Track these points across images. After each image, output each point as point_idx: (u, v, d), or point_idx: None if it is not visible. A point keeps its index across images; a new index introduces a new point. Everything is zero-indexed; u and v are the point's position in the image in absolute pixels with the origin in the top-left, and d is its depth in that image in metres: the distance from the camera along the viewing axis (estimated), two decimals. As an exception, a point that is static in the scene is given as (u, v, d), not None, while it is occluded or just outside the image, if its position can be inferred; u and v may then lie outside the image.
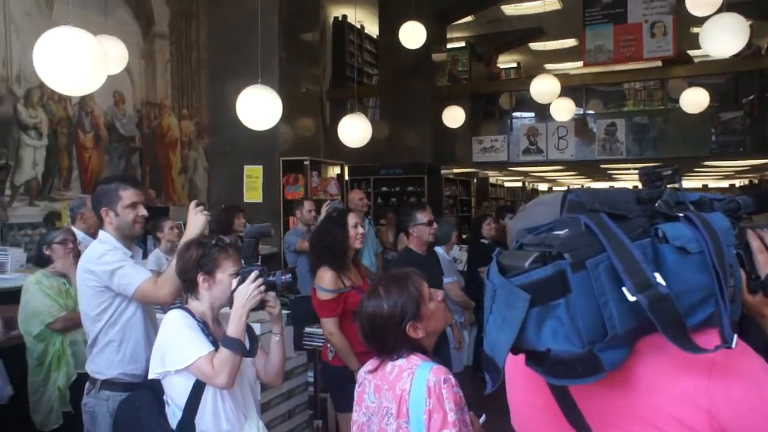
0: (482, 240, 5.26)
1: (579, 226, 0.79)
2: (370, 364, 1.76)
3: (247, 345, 1.92)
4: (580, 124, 9.10)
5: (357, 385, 1.79)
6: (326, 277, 2.82)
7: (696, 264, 0.76)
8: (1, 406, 3.01)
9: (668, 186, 0.85)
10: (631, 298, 0.72)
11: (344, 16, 10.94)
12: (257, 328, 2.42)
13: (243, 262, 2.07)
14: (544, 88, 7.15)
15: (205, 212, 2.29)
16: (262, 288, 1.91)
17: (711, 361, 0.77)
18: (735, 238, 0.82)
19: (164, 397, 1.94)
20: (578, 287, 0.74)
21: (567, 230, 0.79)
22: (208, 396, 1.89)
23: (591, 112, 9.52)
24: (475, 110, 10.10)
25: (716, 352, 0.72)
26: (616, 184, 17.12)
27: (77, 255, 2.89)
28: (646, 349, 0.79)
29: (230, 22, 6.51)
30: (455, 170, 10.90)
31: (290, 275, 2.00)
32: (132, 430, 1.97)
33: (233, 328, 1.86)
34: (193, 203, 2.32)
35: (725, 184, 15.93)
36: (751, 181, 13.59)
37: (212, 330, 1.96)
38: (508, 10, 11.31)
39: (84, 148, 5.75)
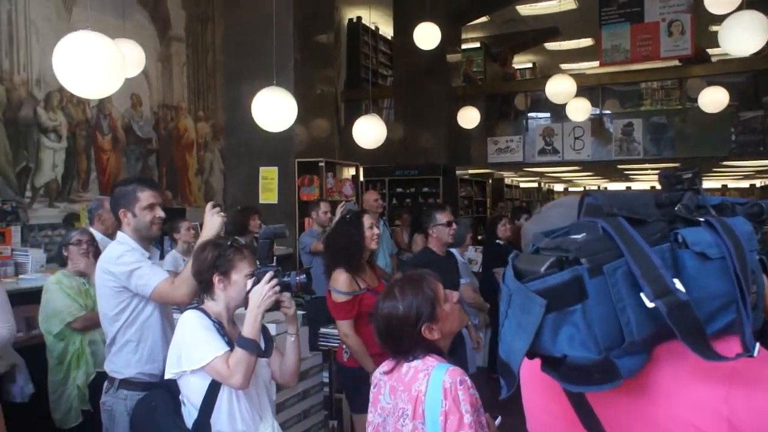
0: (497, 241, 5.24)
1: (596, 231, 0.77)
2: (386, 365, 1.76)
3: (262, 345, 1.93)
4: (596, 124, 9.02)
5: (372, 386, 1.80)
6: (341, 279, 2.82)
7: (717, 270, 0.74)
8: (23, 404, 3.06)
9: (689, 189, 0.83)
10: (650, 305, 0.70)
11: (359, 18, 10.96)
12: (272, 329, 2.43)
13: (258, 263, 2.08)
14: (559, 88, 7.11)
15: (222, 213, 2.31)
16: (277, 288, 1.92)
17: (732, 370, 0.75)
18: (758, 243, 0.80)
19: (180, 397, 1.96)
20: (595, 293, 0.72)
21: (584, 234, 0.77)
22: (223, 396, 1.90)
23: (607, 112, 9.44)
24: (490, 111, 10.05)
25: (737, 360, 0.71)
26: (633, 185, 16.96)
27: (97, 255, 2.93)
28: (665, 355, 0.78)
29: (245, 24, 6.55)
30: (470, 171, 10.87)
31: (305, 276, 2.01)
32: (148, 430, 1.99)
33: (248, 328, 1.88)
34: (209, 205, 2.34)
35: (745, 184, 15.70)
36: (771, 181, 13.39)
37: (228, 330, 1.97)
38: (523, 10, 11.25)
39: (102, 150, 5.82)
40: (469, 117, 8.37)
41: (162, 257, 4.22)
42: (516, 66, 12.67)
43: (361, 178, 7.99)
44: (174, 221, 4.46)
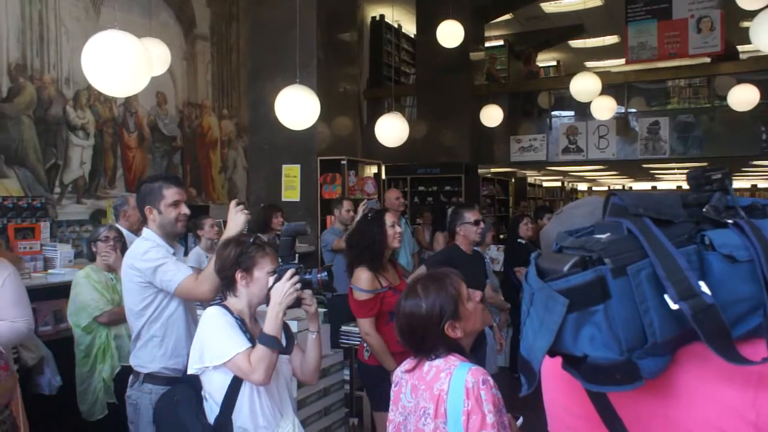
0: (519, 240, 5.20)
1: (621, 231, 0.77)
2: (407, 364, 1.76)
3: (284, 342, 1.94)
4: (621, 122, 8.90)
5: (393, 385, 1.80)
6: (363, 278, 2.83)
7: (744, 273, 0.73)
8: (51, 396, 3.13)
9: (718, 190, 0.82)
10: (674, 307, 0.70)
11: (381, 16, 10.96)
12: (294, 326, 2.44)
13: (280, 260, 2.09)
14: (584, 86, 7.02)
15: (245, 211, 2.33)
16: (298, 286, 1.93)
17: (759, 374, 0.74)
18: None
19: (202, 393, 1.98)
20: (618, 293, 0.72)
21: (608, 234, 0.77)
22: (245, 392, 1.91)
23: (633, 110, 9.30)
24: (513, 109, 9.98)
25: (764, 364, 0.69)
26: (659, 185, 16.71)
27: (124, 251, 2.98)
28: (690, 357, 0.77)
29: (269, 23, 6.60)
30: (493, 170, 10.81)
31: (326, 273, 2.01)
32: (171, 425, 2.01)
33: (270, 325, 1.89)
34: (233, 202, 2.36)
35: (775, 184, 15.36)
36: (803, 182, 13.06)
37: (250, 327, 1.99)
38: (548, 7, 11.14)
39: (128, 147, 5.92)
40: (492, 115, 8.32)
41: (186, 254, 4.28)
42: (540, 64, 12.55)
43: (383, 177, 8.00)
44: (198, 218, 4.51)
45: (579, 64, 13.77)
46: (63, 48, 5.24)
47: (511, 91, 10.51)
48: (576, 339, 0.74)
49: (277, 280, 1.93)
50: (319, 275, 1.99)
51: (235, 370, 1.87)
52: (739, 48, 9.17)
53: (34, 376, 3.11)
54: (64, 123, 5.26)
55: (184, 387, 2.05)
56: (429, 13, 9.04)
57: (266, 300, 1.95)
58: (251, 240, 2.04)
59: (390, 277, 2.94)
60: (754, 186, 15.42)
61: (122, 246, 3.24)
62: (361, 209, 4.55)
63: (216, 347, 1.89)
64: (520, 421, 1.72)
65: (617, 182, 18.08)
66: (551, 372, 0.89)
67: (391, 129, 5.41)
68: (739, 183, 15.27)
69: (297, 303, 1.97)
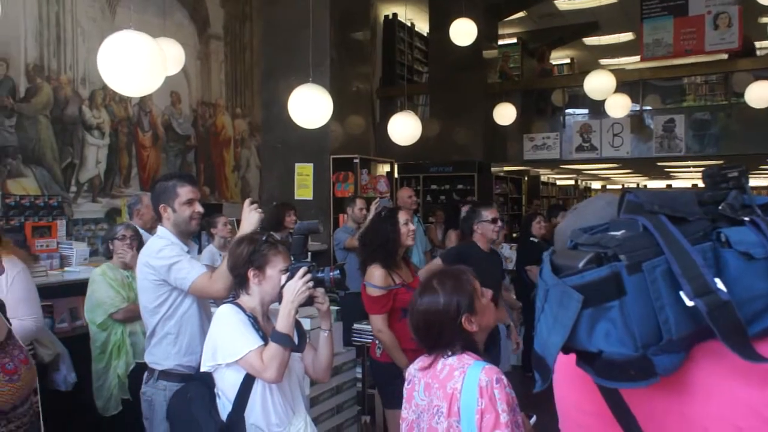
0: (532, 238, 5.18)
1: (636, 228, 0.77)
2: (420, 362, 1.76)
3: (296, 340, 1.95)
4: (636, 120, 8.82)
5: (406, 383, 1.80)
6: (376, 274, 2.83)
7: (761, 270, 0.72)
8: (66, 392, 3.16)
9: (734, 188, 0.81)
10: (689, 303, 0.69)
11: (394, 15, 10.95)
12: (307, 324, 2.45)
13: (293, 258, 2.10)
14: (598, 84, 6.97)
15: (259, 210, 2.34)
16: (311, 284, 1.94)
17: None
18: None
19: (215, 390, 1.99)
20: (633, 290, 0.72)
21: (623, 231, 0.77)
22: (257, 390, 1.92)
23: (648, 108, 9.21)
24: (526, 107, 9.94)
25: None
26: (675, 183, 16.55)
27: (140, 249, 3.01)
28: (705, 354, 0.77)
29: (282, 22, 6.62)
30: (506, 168, 10.77)
31: (339, 271, 2.01)
32: (184, 422, 2.02)
33: (282, 323, 1.89)
34: (247, 201, 2.37)
35: (794, 182, 15.14)
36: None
37: (262, 325, 1.99)
38: (562, 4, 11.07)
39: (143, 146, 5.97)
40: (505, 113, 8.28)
41: (199, 252, 4.31)
42: (553, 61, 12.47)
43: (396, 175, 7.99)
44: (211, 217, 4.54)
45: (593, 62, 13.67)
46: (79, 48, 5.30)
47: (525, 88, 10.46)
48: (591, 335, 0.74)
49: (289, 278, 1.94)
50: (331, 273, 2.00)
51: (248, 368, 1.88)
52: (757, 44, 9.05)
53: (50, 372, 3.15)
54: (80, 122, 5.32)
55: (197, 384, 2.07)
56: (442, 12, 9.03)
57: (279, 298, 1.96)
58: (264, 238, 2.05)
59: (403, 275, 2.94)
60: (771, 184, 15.22)
61: (138, 244, 3.27)
62: (373, 208, 4.56)
63: (229, 345, 1.89)
64: (534, 419, 1.72)
65: (631, 180, 17.93)
66: (562, 370, 0.89)
67: (404, 127, 5.41)
68: (757, 181, 15.07)
69: (309, 301, 1.97)
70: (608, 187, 19.10)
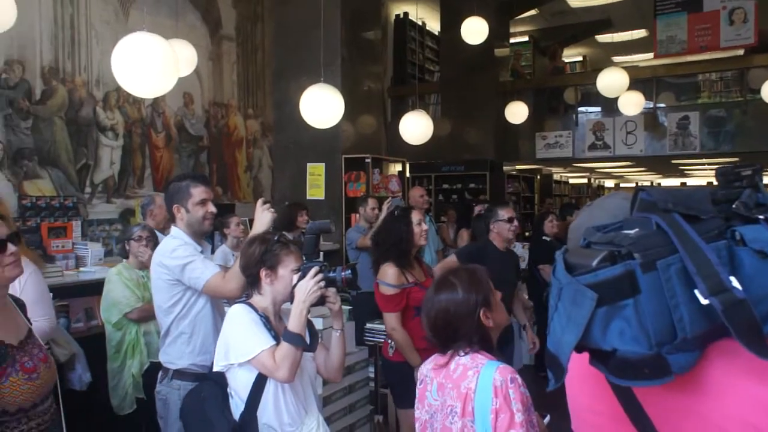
0: (544, 237, 5.16)
1: (650, 226, 0.77)
2: (433, 361, 1.76)
3: (308, 340, 1.95)
4: (649, 118, 8.74)
5: (418, 383, 1.80)
6: (390, 273, 2.84)
7: None
8: (81, 392, 3.20)
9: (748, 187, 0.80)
10: (704, 302, 0.69)
11: (405, 14, 10.94)
12: (319, 323, 2.46)
13: (304, 258, 2.10)
14: (611, 81, 6.92)
15: (272, 210, 2.35)
16: (322, 284, 1.94)
17: None
18: None
19: (228, 390, 2.00)
20: (648, 288, 0.72)
21: (637, 230, 0.77)
22: (269, 389, 1.92)
23: (662, 105, 9.12)
24: (538, 105, 9.89)
25: None
26: (689, 181, 16.39)
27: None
28: (720, 353, 0.76)
29: (294, 22, 6.64)
30: (518, 167, 10.72)
31: (350, 271, 2.02)
32: (198, 421, 2.03)
33: (294, 322, 1.90)
34: (260, 201, 2.38)
35: (811, 180, 14.92)
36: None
37: (274, 325, 2.00)
38: (574, 1, 10.99)
39: (156, 147, 6.01)
40: (517, 112, 8.25)
41: (212, 252, 4.34)
42: (565, 59, 12.39)
43: (408, 174, 7.99)
44: (224, 217, 4.56)
45: (606, 59, 13.56)
46: (93, 50, 5.35)
47: (537, 87, 10.41)
48: (605, 333, 0.74)
49: (301, 278, 1.94)
50: (343, 273, 2.00)
51: (260, 368, 1.89)
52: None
53: (65, 372, 3.18)
54: (95, 124, 5.37)
55: (210, 384, 2.07)
56: (453, 10, 9.00)
57: (290, 298, 1.96)
58: (276, 238, 2.05)
59: (416, 274, 2.94)
60: (788, 182, 15.02)
61: (154, 245, 3.30)
62: (385, 207, 4.56)
63: (241, 345, 1.90)
64: (547, 419, 1.71)
65: (645, 179, 17.78)
66: (575, 369, 0.89)
67: (416, 127, 5.40)
68: (773, 179, 14.85)
69: (321, 301, 1.98)
70: (622, 185, 18.95)
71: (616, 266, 0.73)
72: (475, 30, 6.07)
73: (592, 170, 14.24)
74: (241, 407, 1.93)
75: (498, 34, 9.08)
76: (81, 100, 5.26)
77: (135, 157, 5.76)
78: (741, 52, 8.74)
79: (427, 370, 1.78)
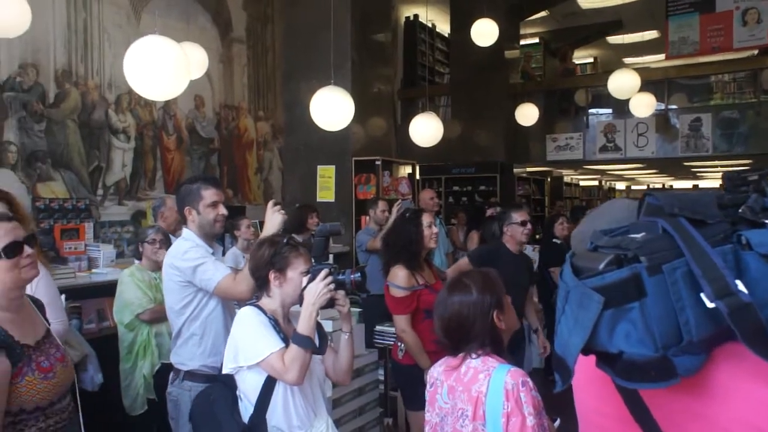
0: (555, 240, 5.14)
1: (656, 230, 0.77)
2: (444, 364, 1.76)
3: (317, 342, 1.96)
4: (661, 119, 8.68)
5: (428, 386, 1.80)
6: (400, 275, 2.84)
7: None
8: (93, 393, 3.22)
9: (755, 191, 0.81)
10: (710, 305, 0.69)
11: (415, 16, 10.95)
12: (328, 326, 2.46)
13: (314, 260, 2.11)
14: (622, 83, 6.88)
15: (282, 211, 2.36)
16: (332, 286, 1.94)
17: None
18: None
19: (237, 392, 2.00)
20: (654, 291, 0.72)
21: (643, 234, 0.77)
22: (278, 392, 1.92)
23: (674, 107, 9.06)
24: (549, 107, 9.85)
25: None
26: (702, 183, 16.25)
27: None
28: (726, 356, 0.77)
29: (304, 24, 6.66)
30: (528, 169, 10.68)
31: (360, 274, 2.02)
32: (207, 423, 2.04)
33: (303, 325, 1.90)
34: (270, 203, 2.40)
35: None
36: None
37: (283, 327, 2.00)
38: (584, 3, 10.94)
39: (167, 149, 6.05)
40: (527, 114, 8.22)
41: (223, 254, 4.36)
42: (576, 61, 12.33)
43: (418, 177, 7.99)
44: (234, 219, 4.58)
45: (617, 61, 13.49)
46: (105, 54, 5.40)
47: (547, 89, 10.37)
48: (611, 336, 0.75)
49: (311, 280, 1.94)
50: (352, 276, 2.00)
51: (269, 370, 1.89)
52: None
53: (77, 372, 3.20)
54: (107, 127, 5.42)
55: (219, 386, 2.07)
56: (463, 12, 8.99)
57: (299, 300, 1.97)
58: (285, 240, 2.06)
59: (426, 276, 2.95)
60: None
61: (167, 247, 3.33)
62: (395, 209, 4.56)
63: (250, 347, 1.90)
64: (557, 423, 1.71)
65: (657, 181, 17.65)
66: (582, 372, 0.91)
67: (426, 129, 5.40)
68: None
69: (330, 303, 1.98)
70: (633, 187, 18.82)
71: (622, 269, 0.74)
72: (485, 32, 6.06)
73: (603, 172, 14.16)
74: (250, 410, 1.94)
75: (508, 35, 9.06)
76: (93, 103, 5.30)
77: (146, 159, 5.80)
78: (755, 52, 8.66)
79: (437, 373, 1.77)
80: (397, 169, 6.99)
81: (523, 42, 10.85)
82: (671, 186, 18.24)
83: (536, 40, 11.90)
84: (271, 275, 2.00)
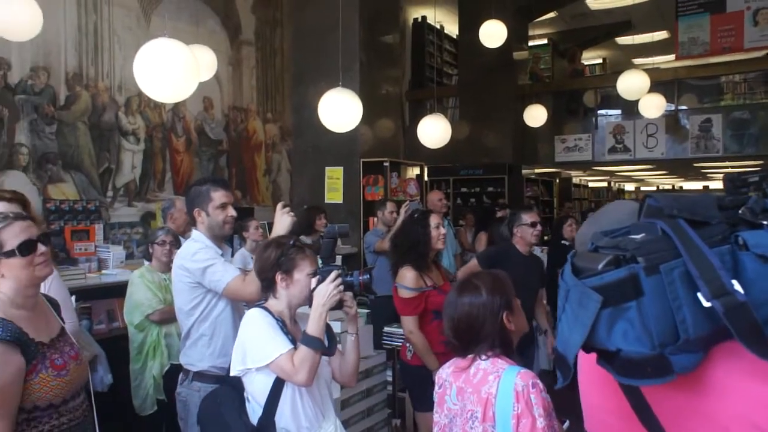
0: (563, 241, 5.12)
1: (655, 231, 0.79)
2: (453, 365, 1.76)
3: (326, 343, 1.96)
4: (671, 120, 8.63)
5: (437, 387, 1.79)
6: (408, 276, 2.84)
7: None
8: (102, 393, 3.24)
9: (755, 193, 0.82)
10: (706, 304, 0.71)
11: (423, 17, 10.95)
12: (337, 327, 2.46)
13: (321, 261, 2.11)
14: (632, 83, 6.84)
15: (291, 213, 2.37)
16: (341, 288, 1.95)
17: None
18: None
19: (245, 395, 2.00)
20: (651, 291, 0.74)
21: (643, 234, 0.79)
22: (287, 394, 1.92)
23: (684, 107, 9.01)
24: (557, 109, 9.82)
25: None
26: (711, 184, 16.14)
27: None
28: (724, 354, 0.78)
29: (312, 27, 6.68)
30: (537, 170, 10.65)
31: (368, 276, 2.02)
32: (215, 425, 2.04)
33: (313, 326, 1.90)
34: (279, 205, 2.41)
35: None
36: None
37: (290, 328, 2.00)
38: (593, 4, 10.91)
39: (176, 151, 6.09)
40: (535, 115, 8.20)
41: (232, 255, 4.37)
42: (585, 62, 12.29)
43: (426, 178, 7.99)
44: (243, 220, 4.59)
45: (626, 62, 13.42)
46: (116, 56, 5.44)
47: (556, 90, 10.34)
48: (610, 334, 0.76)
49: (320, 281, 1.95)
50: (360, 277, 2.00)
51: (278, 372, 1.89)
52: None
53: (88, 372, 3.23)
54: (117, 129, 5.46)
55: (227, 388, 2.07)
56: (471, 14, 8.99)
57: (308, 301, 1.97)
58: (291, 242, 2.06)
59: (434, 277, 2.95)
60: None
61: (177, 249, 3.34)
62: (403, 211, 4.56)
63: (258, 349, 1.91)
64: (567, 424, 1.70)
65: (666, 182, 17.55)
66: (586, 370, 0.93)
67: (434, 130, 5.40)
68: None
69: (338, 305, 1.98)
70: (642, 188, 18.72)
71: (620, 269, 0.76)
72: (493, 33, 6.05)
73: (612, 174, 14.10)
74: (259, 412, 1.93)
75: (517, 36, 9.05)
76: (104, 105, 5.34)
77: (156, 161, 5.83)
78: (766, 52, 8.60)
79: (446, 375, 1.77)
80: (405, 171, 6.99)
81: (531, 43, 10.83)
82: (681, 187, 18.12)
83: (545, 41, 11.87)
84: (278, 277, 2.00)
